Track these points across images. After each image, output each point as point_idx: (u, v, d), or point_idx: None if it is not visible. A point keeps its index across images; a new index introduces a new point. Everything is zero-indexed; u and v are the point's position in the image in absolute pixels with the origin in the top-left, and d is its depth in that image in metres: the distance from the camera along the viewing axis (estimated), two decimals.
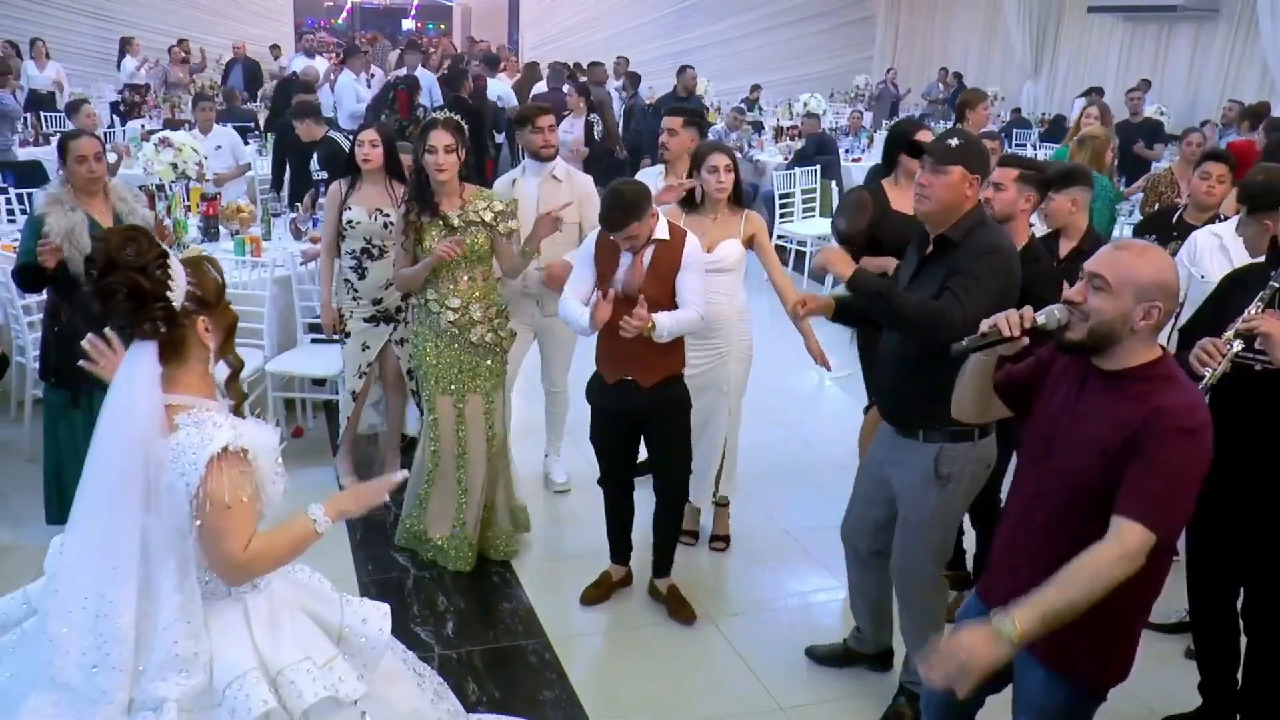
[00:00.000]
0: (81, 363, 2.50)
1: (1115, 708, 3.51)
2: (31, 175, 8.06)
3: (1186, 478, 2.15)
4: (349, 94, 10.95)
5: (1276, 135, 7.38)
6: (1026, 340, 2.36)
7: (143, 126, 10.02)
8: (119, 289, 2.10)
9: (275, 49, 17.35)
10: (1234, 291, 3.18)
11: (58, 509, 4.32)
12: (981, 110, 6.49)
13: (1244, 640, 3.36)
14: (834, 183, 10.09)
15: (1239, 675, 3.37)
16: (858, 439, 4.42)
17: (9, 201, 7.45)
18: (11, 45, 13.11)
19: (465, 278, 4.17)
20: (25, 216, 7.18)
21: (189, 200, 6.40)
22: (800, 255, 9.67)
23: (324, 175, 6.47)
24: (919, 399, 3.10)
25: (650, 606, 4.13)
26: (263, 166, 8.99)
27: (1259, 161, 5.06)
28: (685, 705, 3.60)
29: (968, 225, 3.04)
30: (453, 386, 4.22)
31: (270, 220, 6.68)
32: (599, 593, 4.16)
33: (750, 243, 4.29)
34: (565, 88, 10.70)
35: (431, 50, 15.26)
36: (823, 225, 9.78)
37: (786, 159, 10.73)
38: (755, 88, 15.38)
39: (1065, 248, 4.06)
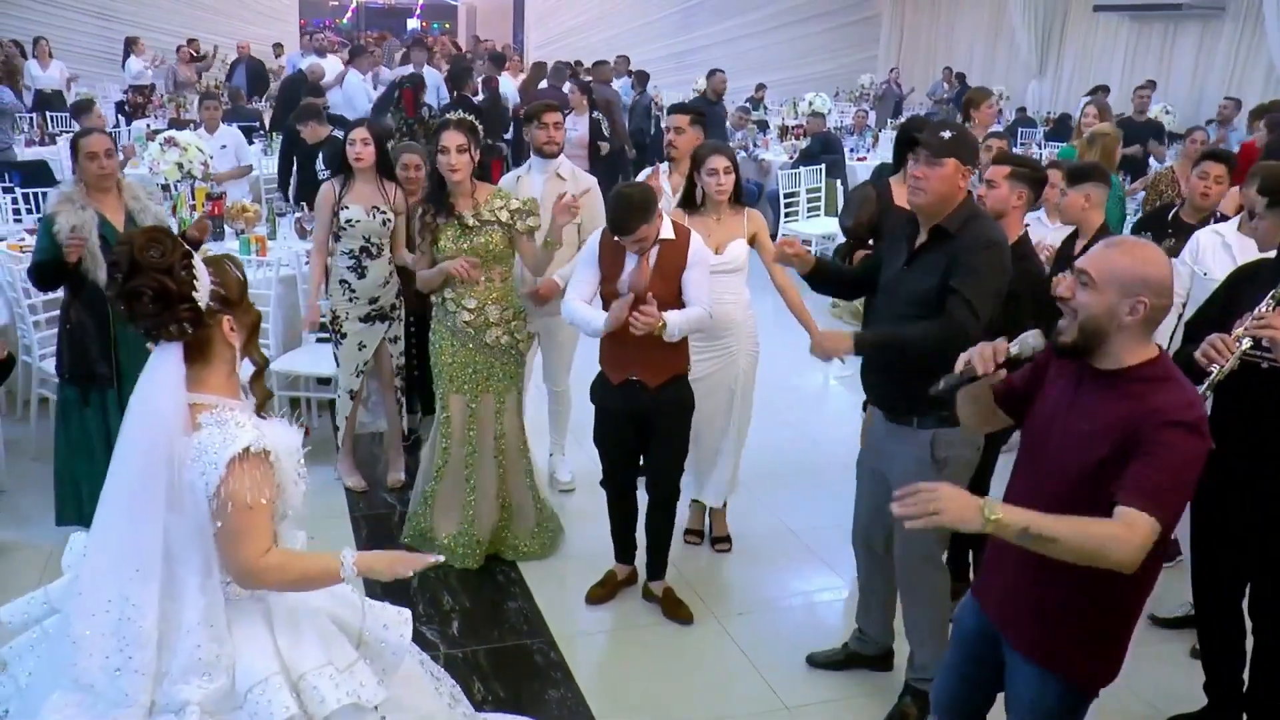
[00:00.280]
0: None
1: (1120, 708, 3.52)
2: (37, 175, 8.08)
3: (1186, 471, 2.15)
4: (360, 93, 10.97)
5: (1278, 133, 7.35)
6: (1004, 373, 2.40)
7: (148, 126, 10.04)
8: (145, 291, 2.09)
9: (278, 47, 17.38)
10: (1242, 287, 3.16)
11: (66, 508, 4.33)
12: (987, 109, 6.49)
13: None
14: (839, 182, 10.09)
15: (1245, 675, 3.36)
16: (861, 437, 4.42)
17: (15, 201, 7.47)
18: (15, 45, 13.13)
19: (483, 278, 4.16)
20: (30, 215, 7.26)
21: (194, 200, 6.41)
22: None
23: (329, 175, 6.47)
24: (912, 386, 3.10)
25: (655, 606, 4.12)
26: (268, 166, 9.00)
27: (1260, 160, 5.05)
28: (690, 704, 3.60)
29: (963, 216, 3.10)
30: (466, 386, 4.22)
31: (275, 220, 6.70)
32: (604, 592, 4.16)
33: (752, 241, 4.30)
34: (567, 86, 10.67)
35: (435, 49, 15.27)
36: (827, 224, 9.79)
37: (791, 158, 10.73)
38: (760, 87, 15.39)
39: (1079, 245, 4.07)
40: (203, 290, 2.16)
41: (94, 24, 17.01)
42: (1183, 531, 3.61)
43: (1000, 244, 3.12)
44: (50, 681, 2.22)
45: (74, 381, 4.26)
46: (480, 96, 10.39)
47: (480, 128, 4.25)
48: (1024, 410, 2.50)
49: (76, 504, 4.27)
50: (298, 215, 6.63)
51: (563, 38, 22.05)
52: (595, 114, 9.25)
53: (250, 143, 8.75)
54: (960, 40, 18.08)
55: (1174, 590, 4.00)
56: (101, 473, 4.25)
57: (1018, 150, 9.60)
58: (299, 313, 5.50)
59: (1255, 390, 3.04)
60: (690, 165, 4.31)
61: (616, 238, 3.68)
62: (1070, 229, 4.27)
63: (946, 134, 3.10)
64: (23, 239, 6.23)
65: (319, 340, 5.42)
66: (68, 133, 10.48)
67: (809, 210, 9.89)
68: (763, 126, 12.95)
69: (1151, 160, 9.28)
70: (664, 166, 4.90)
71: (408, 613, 2.51)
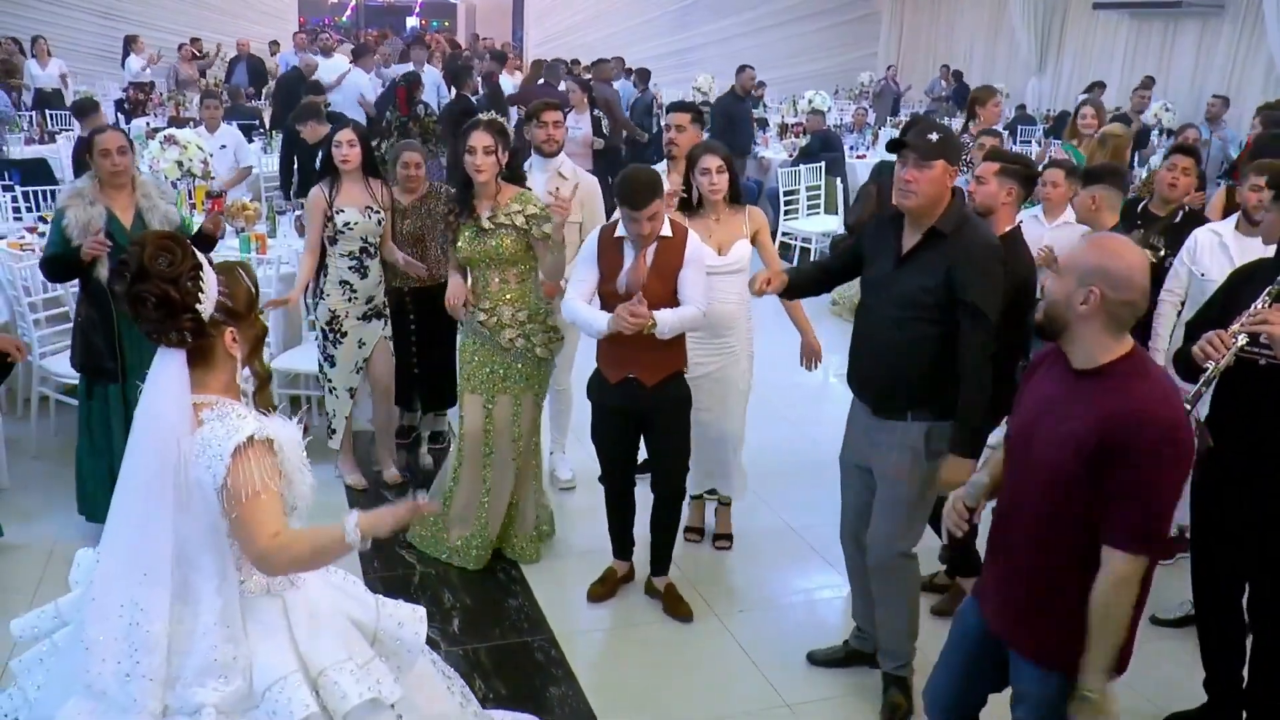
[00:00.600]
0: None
1: (1120, 705, 3.52)
2: (36, 173, 8.08)
3: (1168, 494, 2.23)
4: (368, 92, 10.97)
5: (1275, 130, 7.31)
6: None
7: (148, 125, 10.03)
8: (149, 298, 2.11)
9: (274, 45, 17.37)
10: (1241, 287, 3.17)
11: (82, 501, 4.43)
12: (992, 107, 6.50)
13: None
14: (839, 180, 10.08)
15: (1245, 672, 3.37)
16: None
17: (15, 200, 7.46)
18: (15, 42, 13.13)
19: (496, 279, 4.17)
20: (30, 214, 7.26)
21: (194, 198, 6.40)
22: (805, 252, 9.66)
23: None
24: (910, 381, 3.21)
25: (656, 603, 4.13)
26: (267, 164, 9.00)
27: (1244, 156, 5.07)
28: (690, 701, 3.60)
29: (955, 217, 3.16)
30: (483, 386, 4.23)
31: (275, 218, 6.69)
32: (604, 589, 4.17)
33: (754, 239, 4.30)
34: (562, 85, 10.67)
35: (433, 47, 15.27)
36: (827, 222, 9.79)
37: (791, 156, 10.72)
38: (760, 85, 15.35)
39: None
40: (208, 302, 2.17)
41: (97, 23, 17.03)
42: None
43: (997, 245, 3.24)
44: (60, 694, 2.23)
45: (83, 373, 4.38)
46: (479, 95, 10.38)
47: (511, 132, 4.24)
48: None
49: (87, 497, 4.37)
50: (298, 213, 6.62)
51: (561, 36, 22.07)
52: (596, 112, 9.25)
53: (249, 140, 8.74)
54: (960, 38, 18.08)
55: (1174, 590, 4.01)
56: (103, 465, 4.28)
57: (1017, 149, 9.61)
58: (300, 311, 5.50)
59: (1253, 387, 3.05)
60: (685, 166, 4.31)
61: (630, 214, 3.64)
62: (1083, 228, 4.31)
63: (934, 136, 3.13)
64: (22, 236, 6.23)
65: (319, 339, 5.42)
66: (67, 131, 10.49)
67: (809, 208, 9.89)
68: (762, 124, 12.93)
69: (1136, 164, 9.28)
70: (662, 165, 4.89)
71: (422, 610, 2.51)
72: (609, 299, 3.78)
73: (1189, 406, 2.87)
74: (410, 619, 2.47)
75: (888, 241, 3.26)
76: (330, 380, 4.87)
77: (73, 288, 4.96)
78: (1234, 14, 13.04)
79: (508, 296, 4.17)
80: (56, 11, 16.22)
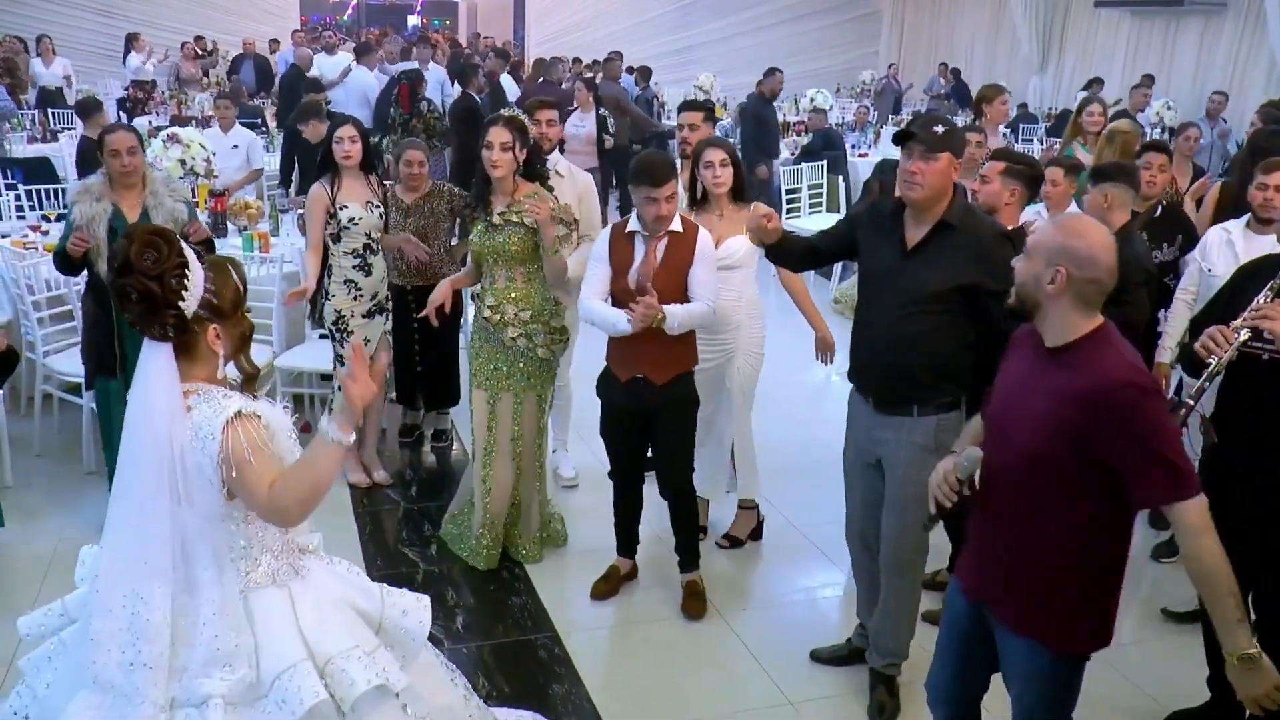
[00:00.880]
0: None
1: (1123, 702, 3.53)
2: (39, 171, 8.10)
3: (1171, 436, 2.27)
4: (373, 91, 10.96)
5: (1274, 128, 7.28)
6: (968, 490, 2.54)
7: (149, 123, 10.04)
8: (132, 292, 2.14)
9: (274, 43, 17.38)
10: (1246, 284, 3.17)
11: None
12: (999, 105, 6.47)
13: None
14: (841, 178, 10.08)
15: None
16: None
17: (18, 198, 7.47)
18: (19, 41, 13.15)
19: (504, 276, 4.17)
20: (34, 212, 7.28)
21: (197, 197, 6.41)
22: None
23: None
24: (918, 374, 3.20)
25: (659, 601, 4.14)
26: (270, 162, 9.01)
27: (1240, 153, 5.08)
28: (694, 699, 3.60)
29: (960, 208, 3.19)
30: (488, 382, 4.24)
31: (278, 216, 6.70)
32: (608, 587, 4.17)
33: None
34: (565, 84, 10.68)
35: (436, 45, 15.28)
36: (829, 220, 9.78)
37: (793, 154, 10.72)
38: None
39: None
40: (191, 300, 2.19)
41: (99, 21, 17.05)
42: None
43: (1004, 231, 3.30)
44: (68, 691, 2.24)
45: (88, 365, 4.44)
46: (484, 93, 10.39)
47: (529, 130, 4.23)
48: None
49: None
50: (300, 212, 6.63)
51: (562, 34, 22.09)
52: (601, 110, 9.25)
53: None
54: (961, 36, 18.06)
55: (1184, 584, 3.99)
56: (105, 457, 4.29)
57: (1019, 148, 9.61)
58: (302, 310, 5.50)
59: (1256, 382, 3.05)
60: (691, 162, 4.31)
61: (650, 194, 3.67)
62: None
63: (939, 129, 3.14)
64: (25, 235, 6.24)
65: (322, 337, 5.43)
66: (69, 130, 10.50)
67: (811, 207, 9.89)
68: None
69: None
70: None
71: (426, 599, 2.51)
72: (621, 296, 3.78)
73: (1193, 402, 2.88)
74: (415, 608, 2.47)
75: (889, 233, 3.25)
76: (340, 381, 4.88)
77: (77, 285, 5.02)
78: (1236, 12, 13.02)
79: (513, 295, 4.17)
80: (58, 10, 16.23)
